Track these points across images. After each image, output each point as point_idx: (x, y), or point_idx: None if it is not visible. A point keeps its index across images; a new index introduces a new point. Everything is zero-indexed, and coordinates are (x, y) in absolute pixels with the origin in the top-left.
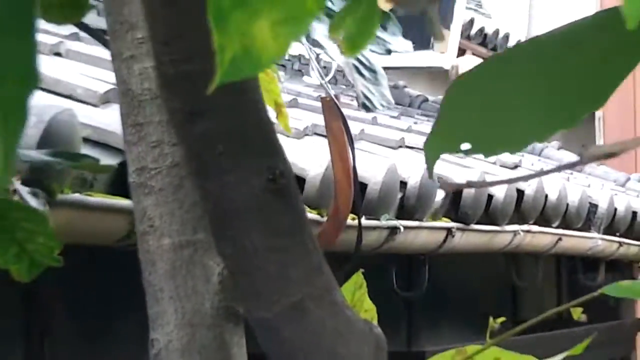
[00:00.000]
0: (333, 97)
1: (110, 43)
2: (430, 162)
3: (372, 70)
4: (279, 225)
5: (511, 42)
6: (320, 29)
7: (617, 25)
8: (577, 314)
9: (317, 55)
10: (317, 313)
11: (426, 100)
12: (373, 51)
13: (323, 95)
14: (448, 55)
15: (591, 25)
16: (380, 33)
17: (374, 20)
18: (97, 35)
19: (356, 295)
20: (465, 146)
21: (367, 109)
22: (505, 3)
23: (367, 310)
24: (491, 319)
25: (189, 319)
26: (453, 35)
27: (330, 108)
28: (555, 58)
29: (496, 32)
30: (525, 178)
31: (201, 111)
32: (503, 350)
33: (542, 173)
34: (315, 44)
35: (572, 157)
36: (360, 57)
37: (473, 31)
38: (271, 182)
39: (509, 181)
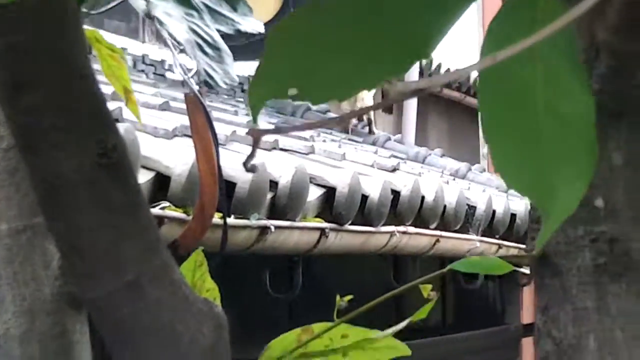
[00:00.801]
0: (197, 92)
1: None
2: (255, 107)
3: (216, 48)
4: (111, 202)
5: None
6: (161, 6)
7: None
8: (426, 291)
9: (180, 50)
10: (154, 292)
11: (309, 109)
12: (220, 31)
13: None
14: None
15: None
16: (229, 13)
17: None
18: None
19: (197, 274)
20: (292, 92)
21: (209, 86)
22: None
23: (209, 289)
24: (338, 297)
25: (28, 306)
26: None
27: (194, 105)
28: (361, 10)
29: None
30: (305, 127)
31: (27, 83)
32: (350, 326)
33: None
34: (158, 22)
35: (456, 165)
36: (203, 34)
37: None
38: (102, 157)
39: (309, 126)
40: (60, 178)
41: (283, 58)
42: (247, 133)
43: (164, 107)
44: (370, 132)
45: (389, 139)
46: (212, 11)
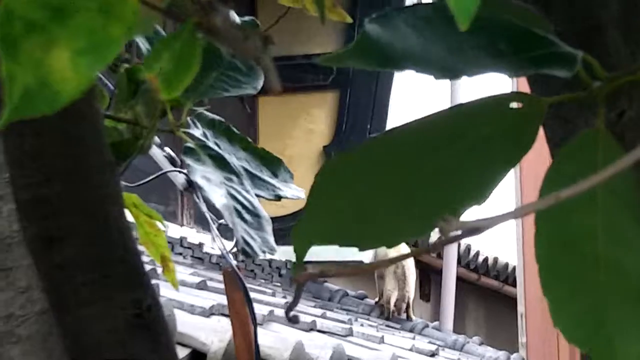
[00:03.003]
0: (235, 267)
1: None
2: (300, 250)
3: (256, 215)
4: None
5: None
6: (200, 170)
7: (474, 126)
8: None
9: (219, 225)
10: None
11: (346, 294)
12: (260, 196)
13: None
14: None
15: (446, 127)
16: (270, 179)
17: (192, 57)
18: None
19: None
20: (339, 237)
21: (246, 254)
22: None
23: None
24: None
25: None
26: None
27: (232, 279)
28: (410, 157)
29: None
30: None
31: (60, 237)
32: None
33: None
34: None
35: (494, 353)
36: (243, 200)
37: None
38: (136, 317)
39: (343, 273)
40: (92, 338)
41: (330, 200)
42: (291, 278)
43: (201, 285)
44: (408, 318)
45: (427, 325)
46: (252, 176)
